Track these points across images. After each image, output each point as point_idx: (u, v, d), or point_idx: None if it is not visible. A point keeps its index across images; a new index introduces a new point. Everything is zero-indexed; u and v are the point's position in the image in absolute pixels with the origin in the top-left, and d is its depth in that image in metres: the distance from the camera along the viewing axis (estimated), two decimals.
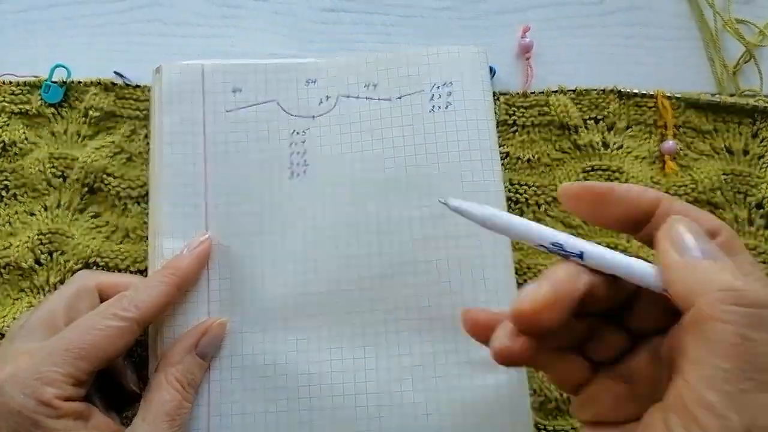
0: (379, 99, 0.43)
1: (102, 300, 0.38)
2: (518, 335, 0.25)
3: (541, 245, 0.27)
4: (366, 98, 0.43)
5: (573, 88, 0.46)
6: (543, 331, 0.24)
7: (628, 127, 0.47)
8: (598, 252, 0.26)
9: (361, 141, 0.43)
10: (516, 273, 0.42)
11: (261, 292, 0.41)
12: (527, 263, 0.44)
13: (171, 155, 0.42)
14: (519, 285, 0.42)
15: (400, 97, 0.43)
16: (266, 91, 0.44)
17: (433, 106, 0.43)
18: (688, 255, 0.24)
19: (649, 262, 0.26)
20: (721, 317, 0.22)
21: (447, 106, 0.42)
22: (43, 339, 0.35)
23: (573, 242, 0.26)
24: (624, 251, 0.43)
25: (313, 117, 0.43)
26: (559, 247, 0.26)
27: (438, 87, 0.43)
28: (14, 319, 0.42)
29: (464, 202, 0.29)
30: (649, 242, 0.27)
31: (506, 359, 0.25)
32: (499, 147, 0.46)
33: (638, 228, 0.27)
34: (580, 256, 0.26)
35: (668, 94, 0.46)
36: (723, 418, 0.21)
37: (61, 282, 0.43)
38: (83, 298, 0.38)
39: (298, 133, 0.43)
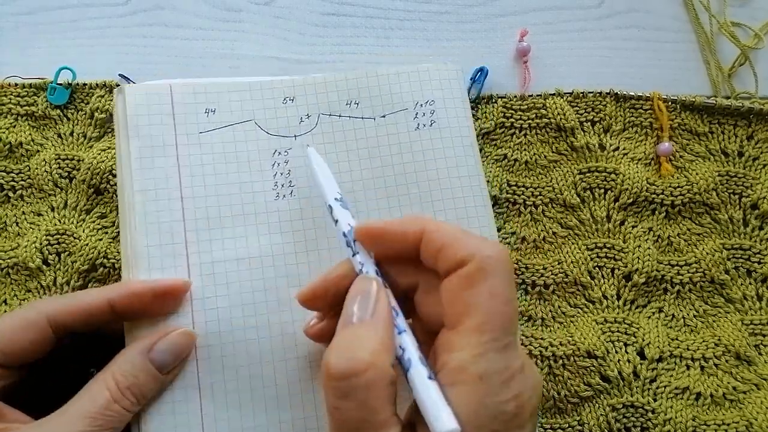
0: (362, 117, 0.43)
1: (61, 330, 0.35)
2: (315, 318, 0.34)
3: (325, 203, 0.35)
4: (348, 116, 0.43)
5: (570, 91, 0.47)
6: (322, 310, 0.33)
7: (624, 129, 0.47)
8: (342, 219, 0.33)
9: (348, 160, 0.42)
10: (515, 273, 0.42)
11: (251, 319, 0.38)
12: (525, 263, 0.44)
13: (142, 181, 0.39)
14: (516, 285, 0.42)
15: (384, 116, 0.43)
16: (242, 111, 0.42)
17: (419, 124, 0.43)
18: (347, 325, 0.29)
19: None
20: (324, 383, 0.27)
21: (431, 124, 0.43)
22: None
23: (338, 212, 0.34)
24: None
25: (295, 136, 0.42)
26: (329, 210, 0.34)
27: (421, 105, 0.43)
28: None
29: (315, 154, 0.38)
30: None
31: (310, 335, 0.34)
32: (497, 149, 0.47)
33: (417, 256, 0.30)
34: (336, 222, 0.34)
35: (664, 97, 0.47)
36: None
37: (67, 283, 0.43)
38: (28, 330, 0.34)
39: (280, 153, 0.42)
